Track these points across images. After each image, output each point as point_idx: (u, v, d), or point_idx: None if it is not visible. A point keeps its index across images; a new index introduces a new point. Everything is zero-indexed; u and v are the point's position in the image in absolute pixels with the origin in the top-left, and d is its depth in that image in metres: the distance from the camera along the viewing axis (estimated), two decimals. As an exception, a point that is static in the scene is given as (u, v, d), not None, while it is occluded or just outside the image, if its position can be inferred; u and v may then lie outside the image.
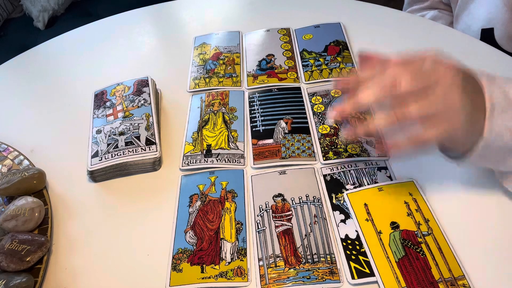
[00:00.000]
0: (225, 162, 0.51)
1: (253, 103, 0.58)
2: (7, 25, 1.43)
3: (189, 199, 0.48)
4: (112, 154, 0.50)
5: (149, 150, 0.51)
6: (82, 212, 0.48)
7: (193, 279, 0.41)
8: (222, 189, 0.48)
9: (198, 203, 0.47)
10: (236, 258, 0.42)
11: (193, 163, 0.51)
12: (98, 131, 0.53)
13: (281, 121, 0.55)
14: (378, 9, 0.72)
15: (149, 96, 0.57)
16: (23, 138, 0.58)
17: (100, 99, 0.58)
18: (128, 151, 0.50)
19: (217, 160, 0.51)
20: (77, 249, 0.45)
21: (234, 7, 0.81)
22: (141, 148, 0.51)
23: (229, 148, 0.52)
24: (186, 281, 0.41)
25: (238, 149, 0.52)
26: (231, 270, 0.41)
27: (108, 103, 0.57)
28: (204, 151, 0.52)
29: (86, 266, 0.43)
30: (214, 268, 0.41)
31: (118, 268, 0.43)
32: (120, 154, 0.50)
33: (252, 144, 0.53)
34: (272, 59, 0.65)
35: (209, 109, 0.57)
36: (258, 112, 0.57)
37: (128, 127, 0.53)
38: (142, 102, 0.56)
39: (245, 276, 0.40)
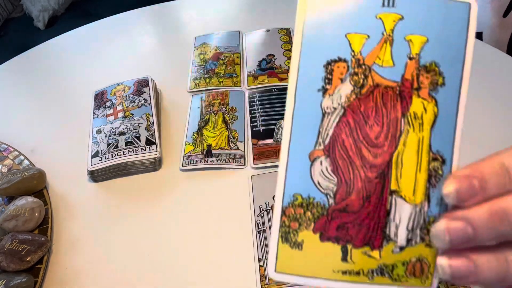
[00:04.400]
0: (226, 162, 0.51)
1: (253, 103, 0.58)
2: (7, 25, 1.43)
3: (324, 70, 0.22)
4: (112, 154, 0.50)
5: (149, 150, 0.50)
6: (82, 212, 0.48)
7: (323, 270, 0.22)
8: (411, 58, 0.22)
9: (346, 87, 0.22)
10: (418, 240, 0.22)
11: (193, 163, 0.51)
12: (98, 131, 0.53)
13: (281, 121, 0.55)
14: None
15: (149, 96, 0.57)
16: (23, 138, 0.58)
17: (100, 99, 0.58)
18: (128, 151, 0.50)
19: (217, 160, 0.51)
20: (77, 249, 0.45)
21: (234, 7, 0.81)
22: (141, 148, 0.51)
23: (229, 148, 0.52)
24: (311, 270, 0.22)
25: (238, 149, 0.52)
26: (404, 264, 0.22)
27: (108, 103, 0.57)
28: (205, 151, 0.52)
29: (86, 266, 0.43)
30: (371, 256, 0.22)
31: (118, 268, 0.43)
32: (120, 154, 0.50)
33: (252, 144, 0.53)
34: (272, 59, 0.65)
35: (209, 109, 0.57)
36: (258, 112, 0.57)
37: (128, 127, 0.53)
38: (142, 102, 0.56)
39: (427, 278, 0.22)
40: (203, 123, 0.56)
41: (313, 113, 0.22)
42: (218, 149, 0.52)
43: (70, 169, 0.53)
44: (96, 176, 0.50)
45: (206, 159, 0.51)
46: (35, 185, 0.48)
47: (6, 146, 0.55)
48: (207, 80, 0.63)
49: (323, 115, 0.22)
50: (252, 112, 0.57)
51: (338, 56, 0.22)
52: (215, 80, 0.62)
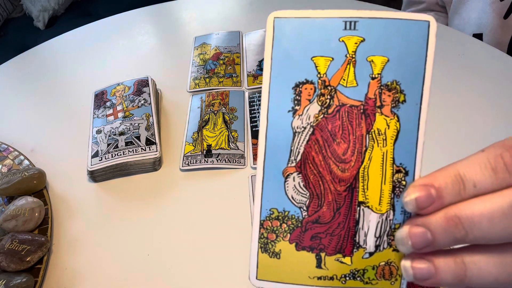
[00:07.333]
0: (225, 162, 0.51)
1: (253, 103, 0.58)
2: (7, 25, 1.43)
3: (293, 92, 0.23)
4: (112, 154, 0.50)
5: (149, 150, 0.51)
6: (82, 212, 0.48)
7: (300, 277, 0.24)
8: (373, 78, 0.23)
9: (314, 107, 0.23)
10: (386, 245, 0.23)
11: (193, 163, 0.51)
12: (98, 131, 0.53)
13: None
14: (378, 9, 0.72)
15: (149, 96, 0.57)
16: (23, 138, 0.58)
17: (100, 99, 0.58)
18: (128, 151, 0.50)
19: (217, 160, 0.51)
20: (77, 249, 0.45)
21: (234, 7, 0.81)
22: (141, 148, 0.51)
23: (229, 148, 0.52)
24: (289, 277, 0.24)
25: (238, 149, 0.52)
26: (374, 268, 0.24)
27: (108, 103, 0.57)
28: (204, 151, 0.52)
29: (86, 266, 0.43)
30: (343, 263, 0.24)
31: (118, 268, 0.43)
32: (120, 154, 0.50)
33: (252, 144, 0.53)
34: (272, 59, 0.65)
35: (209, 109, 0.57)
36: (258, 112, 0.57)
37: (128, 127, 0.53)
38: (142, 102, 0.56)
39: (396, 280, 0.24)
40: (203, 123, 0.56)
41: (285, 133, 0.23)
42: (218, 149, 0.52)
43: (70, 169, 0.53)
44: (96, 176, 0.50)
45: (206, 159, 0.51)
46: (35, 185, 0.48)
47: (6, 146, 0.55)
48: (207, 80, 0.63)
49: (294, 134, 0.23)
50: (252, 112, 0.57)
51: (305, 79, 0.23)
52: (215, 80, 0.62)
